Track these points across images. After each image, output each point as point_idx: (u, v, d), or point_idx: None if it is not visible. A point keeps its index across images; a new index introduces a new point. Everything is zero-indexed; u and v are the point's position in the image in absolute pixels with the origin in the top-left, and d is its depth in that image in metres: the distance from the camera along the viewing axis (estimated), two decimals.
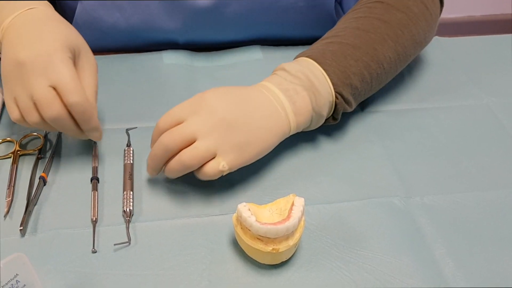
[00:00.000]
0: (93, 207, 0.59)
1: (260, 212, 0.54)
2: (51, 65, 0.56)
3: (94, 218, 0.58)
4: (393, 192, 0.63)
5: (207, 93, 0.59)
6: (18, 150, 0.66)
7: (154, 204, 0.61)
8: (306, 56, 0.65)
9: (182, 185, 0.63)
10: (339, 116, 0.66)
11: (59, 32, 0.59)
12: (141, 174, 0.64)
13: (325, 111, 0.63)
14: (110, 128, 0.69)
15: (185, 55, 0.81)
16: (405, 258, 0.56)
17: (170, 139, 0.56)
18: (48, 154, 0.66)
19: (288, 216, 0.52)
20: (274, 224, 0.51)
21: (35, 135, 0.68)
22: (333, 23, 0.80)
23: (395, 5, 0.69)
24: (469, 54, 0.86)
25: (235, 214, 0.54)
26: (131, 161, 0.64)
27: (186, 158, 0.56)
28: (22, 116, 0.58)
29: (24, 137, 0.68)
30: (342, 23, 0.70)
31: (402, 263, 0.56)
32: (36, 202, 0.60)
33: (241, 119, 0.57)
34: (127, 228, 0.57)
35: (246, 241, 0.52)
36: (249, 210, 0.52)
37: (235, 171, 0.59)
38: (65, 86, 0.55)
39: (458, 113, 0.75)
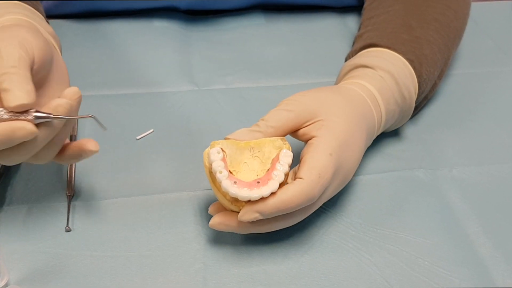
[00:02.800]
0: (69, 180, 0.51)
1: (239, 153, 0.45)
2: None
3: (70, 192, 0.50)
4: (417, 164, 0.56)
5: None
6: None
7: (139, 178, 0.53)
8: (406, 58, 0.55)
9: (172, 159, 0.55)
10: None
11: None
12: (131, 147, 0.56)
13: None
14: (93, 94, 0.61)
15: (178, 17, 0.73)
16: (433, 237, 0.48)
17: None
18: None
19: (268, 175, 0.43)
20: (248, 185, 0.42)
21: None
22: None
23: None
24: (493, 19, 0.79)
25: (206, 151, 0.45)
26: None
27: None
28: None
29: None
30: (415, 0, 0.61)
31: (431, 244, 0.48)
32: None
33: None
34: None
35: (221, 199, 0.45)
36: (223, 158, 0.43)
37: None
38: None
39: (485, 80, 0.68)
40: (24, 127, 0.39)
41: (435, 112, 0.62)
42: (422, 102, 0.59)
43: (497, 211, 0.51)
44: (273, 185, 0.42)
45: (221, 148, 0.44)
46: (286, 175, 0.44)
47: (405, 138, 0.58)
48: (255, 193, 0.42)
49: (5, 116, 0.39)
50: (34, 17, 0.51)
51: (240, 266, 0.46)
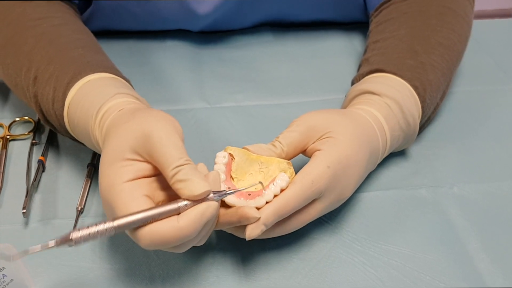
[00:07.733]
0: (82, 195, 0.54)
1: (248, 164, 0.48)
2: None
3: (80, 207, 0.53)
4: (419, 181, 0.58)
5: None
6: (7, 135, 0.60)
7: None
8: (411, 84, 0.56)
9: None
10: None
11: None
12: None
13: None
14: None
15: (190, 36, 0.76)
16: (435, 253, 0.51)
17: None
18: (43, 139, 0.61)
19: (260, 192, 0.45)
20: (239, 195, 0.45)
21: (26, 119, 0.63)
22: (350, 4, 0.75)
23: (458, 11, 0.65)
24: (494, 37, 0.80)
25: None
26: None
27: None
28: None
29: (14, 121, 0.62)
30: (420, 25, 0.63)
31: (433, 259, 0.50)
32: (37, 186, 0.55)
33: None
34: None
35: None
36: (228, 163, 0.46)
37: None
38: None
39: (485, 98, 0.70)
40: (211, 205, 0.41)
41: (436, 129, 0.64)
42: (425, 124, 0.61)
43: (496, 228, 0.53)
44: (259, 201, 0.44)
45: (230, 154, 0.47)
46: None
47: (407, 155, 0.61)
48: (240, 202, 0.44)
49: (189, 204, 0.41)
50: (135, 93, 0.52)
51: (252, 279, 0.48)
